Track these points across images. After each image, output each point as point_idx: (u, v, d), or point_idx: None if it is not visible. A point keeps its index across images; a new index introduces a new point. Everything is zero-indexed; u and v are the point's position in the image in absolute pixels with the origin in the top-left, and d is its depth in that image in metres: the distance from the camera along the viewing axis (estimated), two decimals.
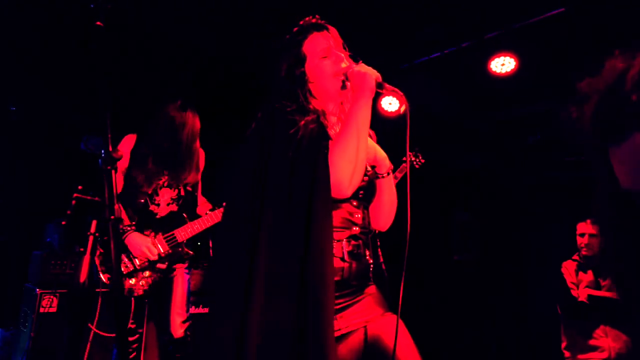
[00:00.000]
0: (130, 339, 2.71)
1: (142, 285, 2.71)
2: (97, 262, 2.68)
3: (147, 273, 2.72)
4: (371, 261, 1.59)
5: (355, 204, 1.56)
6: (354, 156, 1.39)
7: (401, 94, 1.52)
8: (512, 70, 3.70)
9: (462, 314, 5.43)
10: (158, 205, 2.84)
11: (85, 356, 2.86)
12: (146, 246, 2.68)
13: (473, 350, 5.44)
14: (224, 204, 1.93)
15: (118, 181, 2.73)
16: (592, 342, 3.42)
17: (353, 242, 1.51)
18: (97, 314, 2.90)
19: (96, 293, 2.92)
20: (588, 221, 3.60)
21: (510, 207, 5.82)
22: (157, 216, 2.83)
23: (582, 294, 3.52)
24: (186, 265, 2.87)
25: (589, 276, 3.59)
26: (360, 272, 1.52)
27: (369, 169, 1.63)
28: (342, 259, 1.47)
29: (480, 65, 3.76)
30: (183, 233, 2.81)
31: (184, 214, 2.89)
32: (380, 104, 4.48)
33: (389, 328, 1.46)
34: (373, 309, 1.53)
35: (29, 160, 4.63)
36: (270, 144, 1.43)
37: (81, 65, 3.74)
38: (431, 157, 3.63)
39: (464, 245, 6.04)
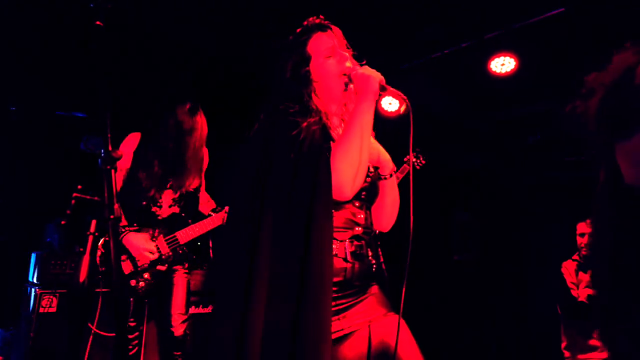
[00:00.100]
0: (130, 336, 2.71)
1: (142, 286, 2.71)
2: (98, 262, 2.68)
3: (146, 275, 2.72)
4: (374, 261, 1.59)
5: (357, 204, 1.56)
6: (355, 159, 1.39)
7: (404, 97, 1.52)
8: (512, 70, 3.70)
9: (462, 314, 5.43)
10: (160, 207, 2.83)
11: (86, 356, 2.86)
12: (143, 247, 2.67)
13: (473, 350, 5.44)
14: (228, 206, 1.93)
15: (118, 179, 2.72)
16: (592, 342, 3.42)
17: (356, 242, 1.51)
18: (97, 314, 2.90)
19: (96, 293, 2.92)
20: (588, 221, 3.60)
21: (510, 207, 5.82)
22: (159, 217, 2.82)
23: (582, 294, 3.52)
24: (186, 266, 2.87)
25: (589, 276, 3.59)
26: (363, 273, 1.52)
27: (372, 169, 1.62)
28: (345, 259, 1.47)
29: (480, 65, 3.76)
30: (184, 235, 2.80)
31: (187, 215, 2.89)
32: (380, 104, 4.47)
33: (392, 328, 1.46)
34: (376, 309, 1.53)
35: (29, 160, 4.63)
36: (273, 145, 1.44)
37: (81, 65, 3.74)
38: (431, 157, 3.63)
39: (464, 245, 6.04)
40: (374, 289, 1.59)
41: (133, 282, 2.69)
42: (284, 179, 1.38)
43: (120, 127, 2.44)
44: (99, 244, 2.68)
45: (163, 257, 2.73)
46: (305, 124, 1.43)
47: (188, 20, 3.57)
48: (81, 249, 3.18)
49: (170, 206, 2.85)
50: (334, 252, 1.44)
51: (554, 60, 3.74)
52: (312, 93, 1.56)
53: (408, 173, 2.11)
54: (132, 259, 2.70)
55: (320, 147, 1.40)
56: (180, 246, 2.79)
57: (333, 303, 1.44)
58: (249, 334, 1.25)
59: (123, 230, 2.68)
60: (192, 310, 3.34)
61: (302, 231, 1.32)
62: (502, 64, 3.71)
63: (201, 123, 2.90)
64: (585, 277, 3.61)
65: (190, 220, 2.89)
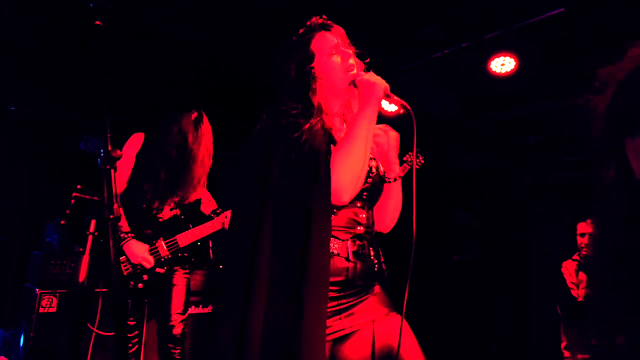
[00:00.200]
0: (130, 335, 2.71)
1: (141, 287, 2.71)
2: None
3: (145, 277, 2.72)
4: (375, 261, 1.59)
5: (359, 204, 1.55)
6: (355, 164, 1.39)
7: (408, 107, 1.52)
8: (512, 70, 3.70)
9: (462, 314, 5.43)
10: (162, 209, 2.83)
11: (89, 357, 2.86)
12: (142, 256, 2.67)
13: (473, 350, 5.44)
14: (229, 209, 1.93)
15: (120, 180, 2.70)
16: (592, 342, 3.42)
17: (358, 242, 1.51)
18: (98, 314, 2.90)
19: (96, 293, 2.92)
20: (588, 221, 3.60)
21: (510, 207, 5.82)
22: (160, 220, 2.82)
23: (582, 294, 3.52)
24: (187, 267, 2.88)
25: None
26: (365, 272, 1.52)
27: (374, 170, 1.61)
28: (347, 259, 1.47)
29: (480, 65, 3.76)
30: (184, 239, 2.80)
31: (187, 219, 2.89)
32: (380, 104, 4.47)
33: (394, 328, 1.46)
34: (378, 309, 1.53)
35: (28, 160, 4.63)
36: (274, 145, 1.44)
37: (81, 65, 3.74)
38: (431, 157, 3.62)
39: (464, 245, 6.05)
40: (376, 288, 1.58)
41: (133, 283, 2.69)
42: (284, 179, 1.38)
43: (120, 127, 2.44)
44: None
45: (162, 260, 2.74)
46: (307, 125, 1.43)
47: (188, 20, 3.57)
48: (81, 249, 3.18)
49: (171, 209, 2.85)
50: (335, 252, 1.44)
51: (554, 60, 3.74)
52: (316, 91, 1.55)
53: (408, 172, 2.11)
54: (131, 263, 2.70)
55: (321, 148, 1.40)
56: (179, 249, 2.79)
57: (335, 302, 1.44)
58: (248, 334, 1.25)
59: (125, 236, 2.67)
60: (192, 310, 3.34)
61: (302, 231, 1.32)
62: (502, 64, 3.71)
63: (207, 133, 2.82)
64: (585, 277, 3.61)
65: (190, 225, 2.88)
